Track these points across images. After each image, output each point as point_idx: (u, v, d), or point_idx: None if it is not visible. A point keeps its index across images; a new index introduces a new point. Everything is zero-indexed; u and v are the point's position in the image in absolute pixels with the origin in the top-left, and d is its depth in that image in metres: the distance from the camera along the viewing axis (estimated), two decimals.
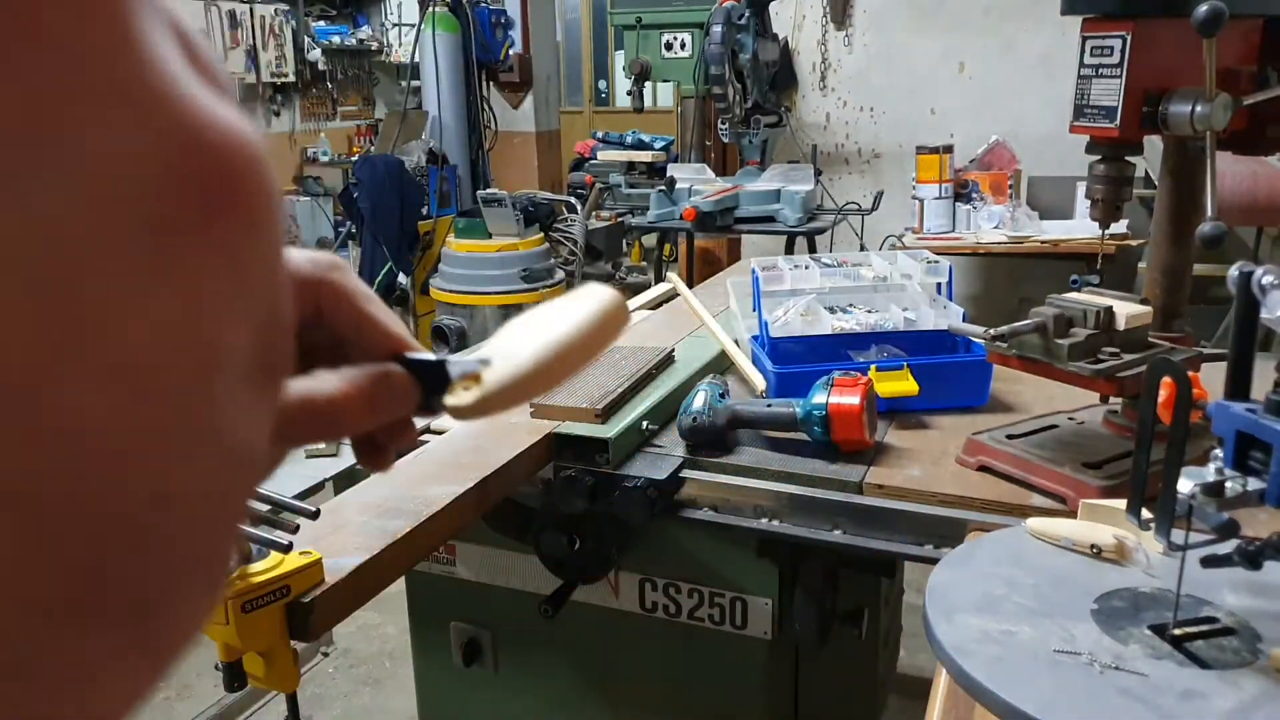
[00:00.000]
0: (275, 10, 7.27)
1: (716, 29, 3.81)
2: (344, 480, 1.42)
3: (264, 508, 0.96)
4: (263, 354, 0.23)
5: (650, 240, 5.69)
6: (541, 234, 4.74)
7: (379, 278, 4.86)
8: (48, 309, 0.17)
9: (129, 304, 0.19)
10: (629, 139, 6.09)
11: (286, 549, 0.96)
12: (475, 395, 0.42)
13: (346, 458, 1.46)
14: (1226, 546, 0.86)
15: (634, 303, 2.40)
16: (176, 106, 0.19)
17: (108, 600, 0.20)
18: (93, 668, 0.20)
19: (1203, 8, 1.04)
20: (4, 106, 0.17)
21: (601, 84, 9.68)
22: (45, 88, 0.17)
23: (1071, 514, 1.16)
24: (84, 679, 0.20)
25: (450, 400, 0.42)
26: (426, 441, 1.49)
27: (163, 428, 0.20)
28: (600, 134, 6.62)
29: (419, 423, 0.46)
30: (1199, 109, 1.17)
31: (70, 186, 0.17)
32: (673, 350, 1.76)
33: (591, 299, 0.45)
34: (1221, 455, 0.87)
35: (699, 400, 1.46)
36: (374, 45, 8.28)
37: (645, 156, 4.89)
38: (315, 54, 7.67)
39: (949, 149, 4.19)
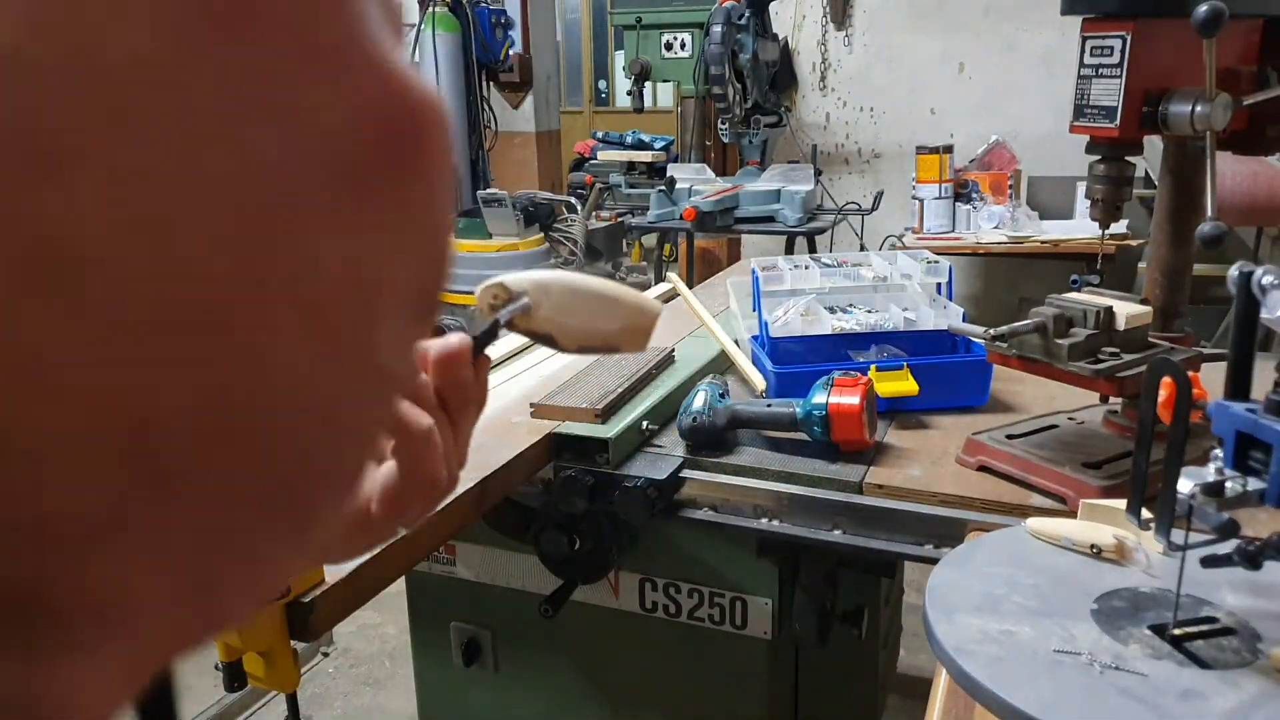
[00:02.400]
0: None
1: (716, 29, 3.81)
2: None
3: None
4: (420, 295, 0.25)
5: (650, 240, 5.68)
6: (541, 234, 4.74)
7: None
8: (252, 237, 0.20)
9: (321, 242, 0.21)
10: (629, 139, 6.08)
11: None
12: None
13: None
14: (1226, 546, 0.86)
15: None
16: (380, 72, 0.22)
17: (277, 508, 0.22)
18: (260, 566, 0.23)
19: (1203, 8, 1.04)
20: (236, 65, 0.19)
21: (601, 84, 9.68)
22: (270, 51, 0.20)
23: (1071, 514, 1.16)
24: (253, 577, 0.23)
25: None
26: None
27: (336, 357, 0.22)
28: (600, 134, 6.62)
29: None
30: (1199, 109, 1.17)
31: (284, 136, 0.20)
32: (673, 350, 1.76)
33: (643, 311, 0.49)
34: (1221, 455, 0.87)
35: (699, 400, 1.46)
36: None
37: (645, 156, 4.89)
38: None
39: (949, 149, 4.19)
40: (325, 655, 2.95)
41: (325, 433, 0.23)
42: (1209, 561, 0.87)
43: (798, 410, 1.41)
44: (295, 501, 0.23)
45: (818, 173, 4.16)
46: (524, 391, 1.62)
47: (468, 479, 1.27)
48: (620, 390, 1.53)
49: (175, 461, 0.20)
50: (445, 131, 0.24)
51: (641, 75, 4.36)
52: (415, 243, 0.24)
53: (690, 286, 2.45)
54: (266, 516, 0.22)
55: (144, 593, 0.20)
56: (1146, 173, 3.73)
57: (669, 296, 2.41)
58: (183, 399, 0.19)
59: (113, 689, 0.21)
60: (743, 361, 1.73)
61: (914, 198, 4.22)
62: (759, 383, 1.62)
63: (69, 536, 0.19)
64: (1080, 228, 4.05)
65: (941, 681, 0.91)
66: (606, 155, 5.29)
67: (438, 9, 5.48)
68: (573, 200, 5.03)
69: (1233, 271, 0.93)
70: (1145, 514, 0.95)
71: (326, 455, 0.23)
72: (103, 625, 0.20)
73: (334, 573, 1.02)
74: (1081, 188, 3.69)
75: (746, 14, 3.97)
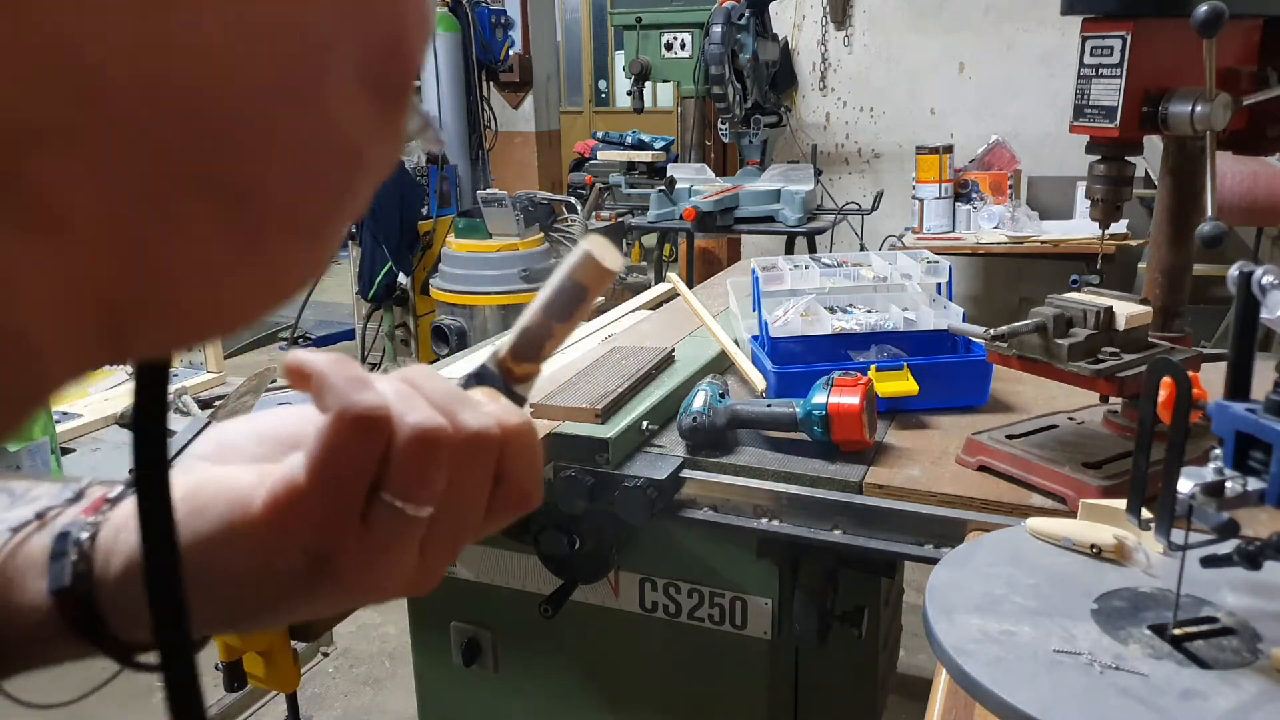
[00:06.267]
0: None
1: (716, 29, 3.81)
2: None
3: None
4: (378, 71, 0.27)
5: (650, 240, 5.68)
6: (541, 234, 4.74)
7: (379, 278, 4.86)
8: None
9: None
10: (629, 139, 6.08)
11: None
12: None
13: None
14: (1226, 546, 0.86)
15: (634, 303, 2.40)
16: None
17: (207, 181, 0.24)
18: (191, 228, 0.25)
19: (1203, 8, 1.04)
20: None
21: (601, 84, 9.69)
22: None
23: (1071, 514, 1.16)
24: (182, 241, 0.25)
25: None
26: None
27: (273, 61, 0.24)
28: (600, 134, 6.62)
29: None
30: (1199, 109, 1.17)
31: None
32: (673, 350, 1.76)
33: (582, 265, 0.50)
34: (1221, 455, 0.87)
35: (699, 400, 1.46)
36: None
37: (645, 156, 4.88)
38: None
39: (949, 149, 4.19)
40: (325, 655, 2.95)
41: (261, 134, 0.25)
42: (1209, 561, 0.87)
43: (798, 410, 1.41)
44: (225, 180, 0.25)
45: (818, 173, 4.16)
46: None
47: None
48: (620, 390, 1.52)
49: (112, 85, 0.22)
50: None
51: (641, 75, 4.35)
52: (355, 11, 0.26)
53: (690, 286, 2.45)
54: (195, 185, 0.24)
55: (87, 197, 0.23)
56: (1146, 173, 3.73)
57: (669, 296, 2.41)
58: (119, 37, 0.21)
59: (54, 280, 0.23)
60: (743, 361, 1.73)
61: (914, 198, 4.22)
62: (759, 383, 1.62)
63: (13, 132, 0.21)
64: (1080, 228, 4.05)
65: (941, 681, 0.91)
66: (606, 155, 5.28)
67: (438, 9, 5.48)
68: (573, 200, 5.03)
69: (1233, 271, 0.93)
70: (1145, 514, 0.95)
71: (262, 153, 0.25)
72: (47, 214, 0.22)
73: None
74: (1081, 188, 3.70)
75: (746, 14, 3.97)
